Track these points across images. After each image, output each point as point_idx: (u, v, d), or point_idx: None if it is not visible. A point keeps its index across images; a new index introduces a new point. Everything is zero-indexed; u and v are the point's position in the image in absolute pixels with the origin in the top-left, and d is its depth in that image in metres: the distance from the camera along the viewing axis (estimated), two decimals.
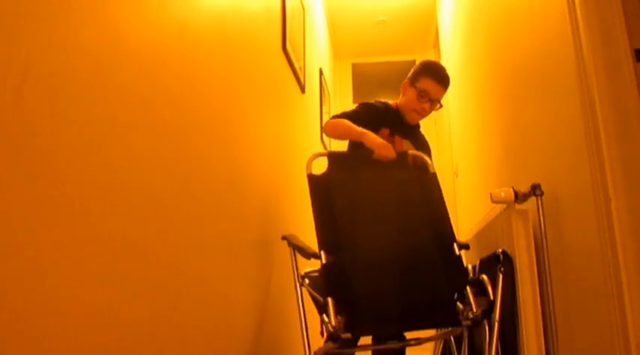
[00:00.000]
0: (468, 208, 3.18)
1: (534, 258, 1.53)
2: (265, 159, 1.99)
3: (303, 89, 3.02)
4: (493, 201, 1.62)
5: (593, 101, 1.23)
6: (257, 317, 1.71)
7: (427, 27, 5.01)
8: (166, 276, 1.08)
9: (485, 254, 1.88)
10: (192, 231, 1.23)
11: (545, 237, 1.51)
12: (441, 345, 2.21)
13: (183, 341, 1.14)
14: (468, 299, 1.48)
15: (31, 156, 0.70)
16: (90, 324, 0.81)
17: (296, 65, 2.76)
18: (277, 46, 2.36)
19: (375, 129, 1.92)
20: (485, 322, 1.61)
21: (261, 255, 1.82)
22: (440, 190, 1.77)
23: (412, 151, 1.85)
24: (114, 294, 0.88)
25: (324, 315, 1.38)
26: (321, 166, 1.80)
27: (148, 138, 1.04)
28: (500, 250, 1.63)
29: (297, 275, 1.69)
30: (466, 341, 1.96)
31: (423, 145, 2.11)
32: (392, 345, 1.70)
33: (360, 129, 1.86)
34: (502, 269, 1.58)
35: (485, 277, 1.70)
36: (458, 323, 1.45)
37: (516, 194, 1.58)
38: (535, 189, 1.53)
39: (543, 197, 1.53)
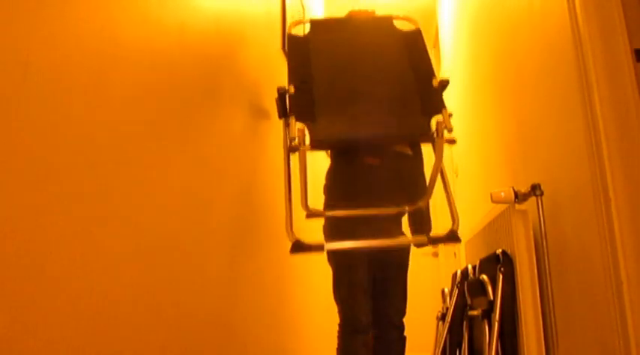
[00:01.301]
0: (468, 208, 3.18)
1: (534, 258, 1.53)
2: (266, 158, 1.99)
3: None
4: (493, 201, 1.62)
5: (593, 101, 1.23)
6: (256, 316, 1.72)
7: (427, 27, 5.00)
8: (167, 277, 1.08)
9: (485, 254, 1.88)
10: (195, 229, 1.23)
11: (545, 237, 1.51)
12: (441, 345, 2.21)
13: (182, 340, 1.14)
14: (445, 120, 1.43)
15: (32, 156, 0.70)
16: (90, 324, 0.81)
17: None
18: (277, 46, 2.37)
19: None
20: (486, 322, 1.61)
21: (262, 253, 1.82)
22: (423, 44, 1.72)
23: (397, 15, 1.84)
24: (114, 294, 0.88)
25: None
26: None
27: (149, 138, 1.04)
28: (500, 250, 1.63)
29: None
30: (466, 341, 1.96)
31: None
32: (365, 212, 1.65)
33: None
34: (502, 269, 1.58)
35: (485, 277, 1.70)
36: (425, 137, 1.45)
37: (516, 194, 1.58)
38: (535, 189, 1.53)
39: (543, 197, 1.53)
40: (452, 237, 1.51)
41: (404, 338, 1.89)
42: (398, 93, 1.54)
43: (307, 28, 1.82)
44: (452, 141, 1.45)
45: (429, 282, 4.19)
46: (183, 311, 1.16)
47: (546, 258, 1.51)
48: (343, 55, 1.65)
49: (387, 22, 1.80)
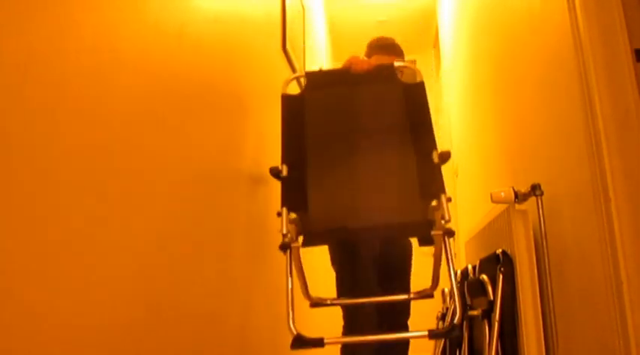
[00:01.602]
0: (468, 208, 3.18)
1: (534, 258, 1.53)
2: (266, 158, 1.99)
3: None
4: (493, 201, 1.62)
5: (593, 101, 1.23)
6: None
7: (427, 27, 5.00)
8: (166, 277, 1.08)
9: (485, 254, 1.88)
10: (194, 229, 1.23)
11: (545, 237, 1.51)
12: (442, 345, 2.21)
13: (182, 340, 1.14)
14: (443, 208, 1.34)
15: (32, 157, 0.70)
16: (89, 324, 0.81)
17: (296, 65, 2.76)
18: (277, 46, 2.37)
19: None
20: (486, 322, 1.61)
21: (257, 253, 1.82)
22: (425, 99, 1.59)
23: (398, 62, 1.72)
24: (114, 294, 0.88)
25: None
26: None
27: (149, 138, 1.04)
28: (500, 250, 1.63)
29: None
30: (466, 341, 1.96)
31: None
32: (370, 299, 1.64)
33: None
34: (502, 269, 1.58)
35: (485, 277, 1.70)
36: (425, 238, 1.37)
37: (516, 194, 1.58)
38: (535, 189, 1.53)
39: (543, 197, 1.53)
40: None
41: (407, 340, 1.90)
42: (396, 171, 1.45)
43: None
44: (450, 233, 1.33)
45: (429, 282, 4.18)
46: (182, 311, 1.16)
47: (546, 258, 1.51)
48: (339, 120, 1.57)
49: (387, 71, 1.68)
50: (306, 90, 1.66)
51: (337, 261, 1.83)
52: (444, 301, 2.60)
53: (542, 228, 1.52)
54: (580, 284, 1.34)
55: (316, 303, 1.63)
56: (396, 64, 1.70)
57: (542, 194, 1.53)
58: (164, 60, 1.13)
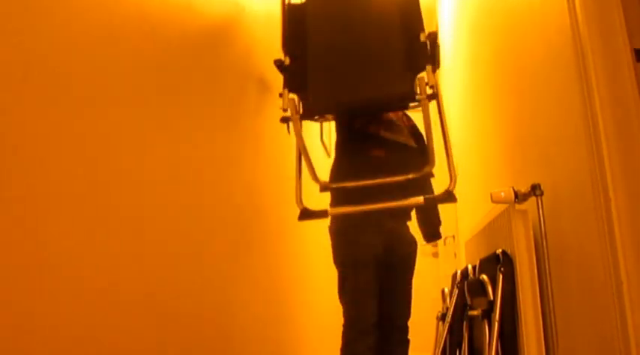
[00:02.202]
0: (468, 208, 3.18)
1: (534, 258, 1.53)
2: (266, 158, 1.99)
3: None
4: (493, 201, 1.62)
5: (593, 101, 1.23)
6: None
7: (427, 27, 4.99)
8: (167, 276, 1.08)
9: (485, 254, 1.88)
10: (194, 226, 1.23)
11: (545, 237, 1.51)
12: (442, 345, 2.21)
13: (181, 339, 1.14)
14: (428, 74, 1.45)
15: (32, 156, 0.70)
16: (89, 324, 0.81)
17: None
18: (277, 46, 2.36)
19: None
20: (486, 322, 1.61)
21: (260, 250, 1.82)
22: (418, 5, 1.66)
23: None
24: (114, 293, 0.88)
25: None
26: None
27: (149, 138, 1.04)
28: (500, 250, 1.63)
29: None
30: (466, 341, 1.96)
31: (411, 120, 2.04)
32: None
33: None
34: (502, 269, 1.58)
35: (485, 277, 1.70)
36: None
37: (516, 194, 1.58)
38: (535, 189, 1.53)
39: (543, 197, 1.53)
40: (447, 197, 1.52)
41: (407, 341, 1.89)
42: (386, 54, 1.56)
43: None
44: (432, 97, 1.47)
45: (429, 282, 4.19)
46: (183, 311, 1.16)
47: (546, 257, 1.51)
48: (337, 20, 1.65)
49: None
50: (307, 3, 1.72)
51: (339, 261, 1.82)
52: (444, 301, 2.60)
53: (542, 228, 1.52)
54: (580, 284, 1.34)
55: (325, 188, 1.71)
56: None
57: (542, 194, 1.53)
58: (165, 60, 1.13)
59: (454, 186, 1.52)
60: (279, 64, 1.61)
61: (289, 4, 1.75)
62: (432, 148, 1.59)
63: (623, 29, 1.26)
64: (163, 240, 1.08)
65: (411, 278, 1.93)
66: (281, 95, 1.51)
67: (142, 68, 1.03)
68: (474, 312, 1.84)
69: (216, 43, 1.49)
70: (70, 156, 0.78)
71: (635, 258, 1.13)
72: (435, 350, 2.41)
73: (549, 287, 1.49)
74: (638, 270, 1.12)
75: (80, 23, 0.82)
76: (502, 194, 1.60)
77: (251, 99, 1.83)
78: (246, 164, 1.72)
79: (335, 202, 1.84)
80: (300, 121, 1.53)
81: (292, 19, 1.69)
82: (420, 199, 1.55)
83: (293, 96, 1.53)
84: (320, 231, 1.92)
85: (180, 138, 1.19)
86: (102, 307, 0.84)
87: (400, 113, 1.94)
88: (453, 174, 1.53)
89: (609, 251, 1.17)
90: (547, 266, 1.50)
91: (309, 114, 1.58)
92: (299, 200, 1.54)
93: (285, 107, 1.49)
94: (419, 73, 1.48)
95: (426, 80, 1.44)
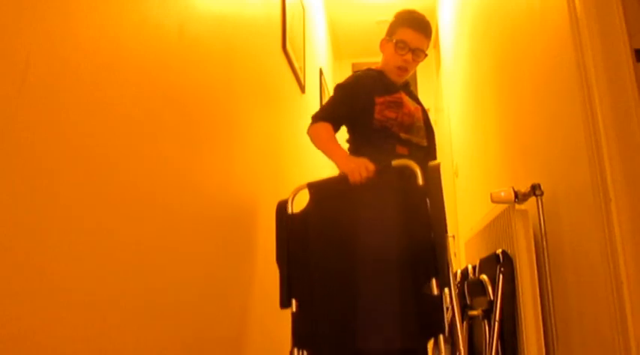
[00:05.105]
0: (468, 208, 3.18)
1: (534, 258, 1.53)
2: (266, 158, 1.99)
3: (303, 89, 3.02)
4: (493, 201, 1.62)
5: (593, 101, 1.23)
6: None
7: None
8: (167, 279, 1.08)
9: (485, 254, 1.88)
10: (190, 231, 1.23)
11: (545, 237, 1.51)
12: None
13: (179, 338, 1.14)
14: (439, 348, 1.30)
15: (32, 156, 0.70)
16: (89, 325, 0.81)
17: (296, 65, 2.76)
18: (277, 46, 2.37)
19: (368, 102, 1.73)
20: (486, 322, 1.61)
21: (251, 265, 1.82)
22: (425, 206, 1.41)
23: (397, 162, 1.51)
24: (114, 296, 0.88)
25: None
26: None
27: (148, 138, 1.04)
28: (500, 250, 1.63)
29: None
30: (466, 341, 1.96)
31: (425, 113, 1.87)
32: None
33: (332, 147, 1.65)
34: (502, 269, 1.58)
35: (485, 277, 1.70)
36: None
37: (516, 194, 1.58)
38: (535, 189, 1.53)
39: (543, 197, 1.53)
40: None
41: None
42: (396, 301, 1.39)
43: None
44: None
45: None
46: (182, 314, 1.16)
47: (546, 258, 1.51)
48: (341, 241, 1.50)
49: (387, 176, 1.51)
50: (309, 207, 1.59)
51: None
52: (444, 301, 2.59)
53: (542, 228, 1.52)
54: (580, 285, 1.35)
55: None
56: (394, 163, 1.50)
57: (542, 194, 1.53)
58: (165, 60, 1.13)
59: None
60: (284, 302, 1.50)
61: (290, 214, 1.60)
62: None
63: (623, 29, 1.26)
64: (163, 241, 1.08)
65: None
66: (291, 354, 1.41)
67: (143, 69, 1.03)
68: (474, 312, 1.84)
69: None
70: (70, 157, 0.78)
71: (635, 258, 1.13)
72: (434, 349, 2.40)
73: (549, 287, 1.49)
74: (638, 270, 1.12)
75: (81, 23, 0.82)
76: (502, 194, 1.60)
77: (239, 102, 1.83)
78: (244, 164, 1.72)
79: None
80: None
81: (295, 238, 1.56)
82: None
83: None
84: None
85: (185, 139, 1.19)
86: (101, 307, 0.84)
87: (419, 107, 1.84)
88: None
89: (609, 251, 1.17)
90: (547, 266, 1.50)
91: None
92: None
93: None
94: (430, 339, 1.33)
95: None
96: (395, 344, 1.35)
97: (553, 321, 1.46)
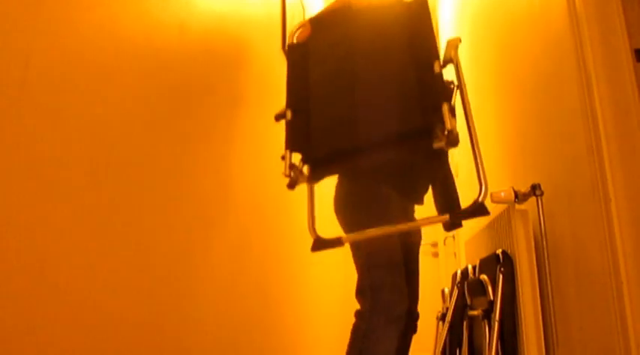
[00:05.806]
0: None
1: (534, 258, 1.53)
2: (265, 158, 1.99)
3: None
4: (493, 201, 1.62)
5: (593, 101, 1.23)
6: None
7: None
8: (168, 283, 1.08)
9: (485, 254, 1.88)
10: (189, 228, 1.23)
11: (545, 237, 1.51)
12: (442, 345, 2.21)
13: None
14: (442, 117, 1.28)
15: (32, 157, 0.70)
16: (89, 327, 0.81)
17: None
18: (277, 45, 2.37)
19: None
20: (486, 322, 1.61)
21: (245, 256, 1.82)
22: (427, 16, 1.52)
23: None
24: (114, 298, 0.88)
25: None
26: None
27: (148, 138, 1.04)
28: (500, 250, 1.63)
29: None
30: (466, 341, 1.96)
31: None
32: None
33: None
34: (502, 269, 1.58)
35: (485, 277, 1.70)
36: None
37: (516, 194, 1.58)
38: (535, 189, 1.53)
39: (543, 197, 1.53)
40: (478, 209, 1.31)
41: (416, 327, 1.84)
42: (395, 85, 1.40)
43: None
44: (453, 143, 1.29)
45: (429, 282, 4.19)
46: (183, 317, 1.16)
47: (546, 258, 1.51)
48: (341, 59, 1.51)
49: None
50: (310, 38, 1.60)
51: (367, 244, 1.68)
52: (444, 301, 2.60)
53: (542, 228, 1.52)
54: (580, 284, 1.34)
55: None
56: None
57: (542, 194, 1.53)
58: (165, 59, 1.13)
59: (485, 197, 1.33)
60: (280, 117, 1.50)
61: (290, 44, 1.61)
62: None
63: (623, 29, 1.26)
64: (162, 241, 1.08)
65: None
66: (283, 157, 1.38)
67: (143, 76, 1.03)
68: (474, 312, 1.84)
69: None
70: (71, 156, 0.78)
71: (635, 258, 1.13)
72: (435, 350, 2.41)
73: (549, 287, 1.49)
74: (638, 270, 1.12)
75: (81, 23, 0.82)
76: (502, 194, 1.60)
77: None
78: (245, 164, 1.72)
79: None
80: (310, 185, 1.42)
81: (294, 63, 1.56)
82: (446, 217, 1.39)
83: (295, 159, 1.40)
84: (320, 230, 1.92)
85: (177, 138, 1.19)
86: (101, 312, 0.84)
87: None
88: (483, 183, 1.35)
89: (609, 251, 1.17)
90: (547, 266, 1.50)
91: (315, 173, 1.42)
92: (312, 228, 1.40)
93: (288, 173, 1.36)
94: (435, 111, 1.31)
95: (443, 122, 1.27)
96: (394, 127, 1.34)
97: (553, 321, 1.46)
